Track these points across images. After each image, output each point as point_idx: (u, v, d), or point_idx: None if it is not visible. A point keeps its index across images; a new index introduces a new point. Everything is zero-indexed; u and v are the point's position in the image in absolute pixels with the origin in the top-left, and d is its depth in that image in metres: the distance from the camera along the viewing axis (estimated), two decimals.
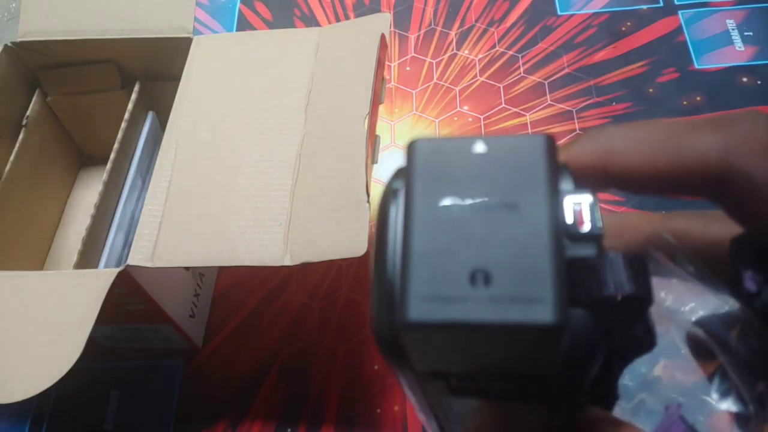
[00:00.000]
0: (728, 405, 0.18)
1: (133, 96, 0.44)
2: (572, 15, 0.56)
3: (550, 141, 0.13)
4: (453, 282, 0.12)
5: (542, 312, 0.11)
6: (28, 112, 0.45)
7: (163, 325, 0.39)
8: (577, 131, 0.50)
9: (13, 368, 0.31)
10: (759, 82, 0.50)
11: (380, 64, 0.37)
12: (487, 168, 0.13)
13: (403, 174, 0.14)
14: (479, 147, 0.13)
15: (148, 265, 0.33)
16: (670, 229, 0.17)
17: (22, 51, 0.43)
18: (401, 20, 0.57)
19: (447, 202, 0.13)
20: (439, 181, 0.13)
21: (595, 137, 0.16)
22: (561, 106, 0.51)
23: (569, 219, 0.13)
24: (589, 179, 0.16)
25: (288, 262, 0.32)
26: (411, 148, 0.13)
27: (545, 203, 0.12)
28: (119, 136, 0.42)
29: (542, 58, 0.54)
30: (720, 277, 0.16)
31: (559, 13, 0.56)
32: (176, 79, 0.39)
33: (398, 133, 0.52)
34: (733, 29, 0.53)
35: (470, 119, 0.52)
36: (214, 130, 0.37)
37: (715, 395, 0.19)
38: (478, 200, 0.13)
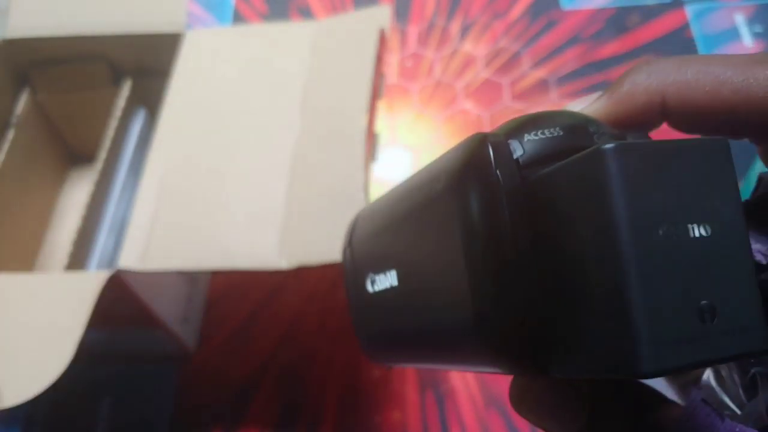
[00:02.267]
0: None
1: (124, 93, 0.43)
2: (577, 9, 0.55)
3: (728, 147, 0.12)
4: (684, 321, 0.11)
5: (756, 340, 0.11)
6: (17, 111, 0.44)
7: (155, 329, 0.38)
8: None
9: (2, 373, 0.30)
10: None
11: (379, 59, 0.36)
12: (683, 183, 0.12)
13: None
14: (669, 155, 0.12)
15: (140, 267, 0.32)
16: None
17: (11, 47, 0.42)
18: (401, 13, 0.56)
19: (660, 230, 0.11)
20: (649, 204, 0.11)
21: (648, 71, 0.15)
22: (567, 102, 0.50)
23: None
24: (644, 116, 0.15)
25: (284, 266, 0.31)
26: (608, 157, 0.12)
27: (741, 225, 0.12)
28: (109, 134, 0.41)
29: (547, 54, 0.52)
30: None
31: (562, 7, 0.55)
32: (168, 75, 0.38)
33: (398, 130, 0.50)
34: (741, 25, 0.52)
35: (473, 117, 0.50)
36: (206, 127, 0.36)
37: (712, 381, 0.19)
38: (687, 225, 0.12)
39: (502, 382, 0.40)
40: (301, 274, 0.44)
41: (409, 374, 0.40)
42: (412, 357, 0.19)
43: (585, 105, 0.17)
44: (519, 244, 0.13)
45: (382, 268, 0.19)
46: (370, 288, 0.20)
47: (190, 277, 0.42)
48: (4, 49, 0.42)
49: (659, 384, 0.16)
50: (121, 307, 0.36)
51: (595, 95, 0.16)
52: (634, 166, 0.11)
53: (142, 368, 0.42)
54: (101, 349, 0.42)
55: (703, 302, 0.11)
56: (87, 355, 0.41)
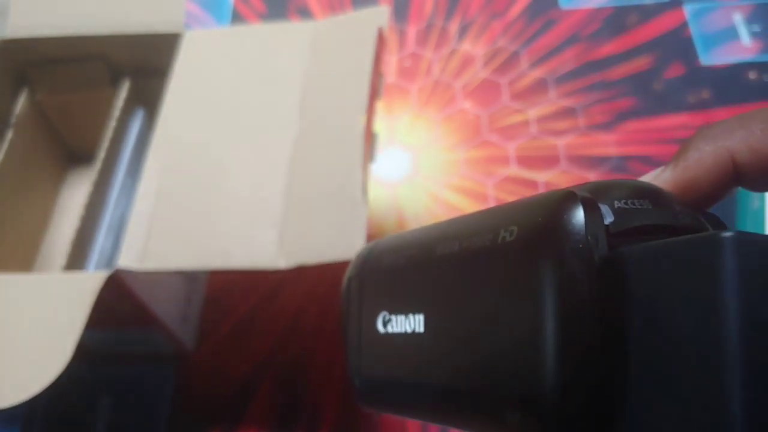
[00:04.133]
0: None
1: (123, 93, 0.43)
2: (576, 9, 0.55)
3: None
4: None
5: None
6: (16, 111, 0.44)
7: (154, 328, 0.38)
8: (582, 127, 0.48)
9: (1, 373, 0.30)
10: (766, 79, 0.49)
11: (378, 59, 0.36)
12: None
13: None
14: None
15: (138, 267, 0.32)
16: None
17: (10, 47, 0.42)
18: (400, 13, 0.56)
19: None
20: (763, 302, 0.11)
21: (711, 134, 0.15)
22: (565, 102, 0.50)
23: None
24: (716, 181, 0.15)
25: (282, 265, 0.31)
26: (726, 246, 0.11)
27: None
28: (108, 134, 0.41)
29: (546, 53, 0.52)
30: None
31: (560, 6, 0.55)
32: (167, 75, 0.38)
33: (396, 130, 0.50)
34: (740, 24, 0.52)
35: (472, 116, 0.50)
36: (205, 127, 0.36)
37: None
38: None
39: None
40: (299, 273, 0.44)
41: None
42: (417, 411, 0.18)
43: (652, 177, 0.16)
44: (603, 317, 0.12)
45: (402, 310, 0.17)
46: (380, 328, 0.18)
47: (188, 277, 0.42)
48: (3, 49, 0.42)
49: None
50: (119, 307, 0.36)
51: (659, 168, 0.16)
52: (752, 258, 0.11)
53: (140, 368, 0.42)
54: (100, 349, 0.42)
55: None
56: (86, 354, 0.41)
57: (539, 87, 0.51)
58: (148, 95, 0.44)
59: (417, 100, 0.51)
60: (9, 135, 0.43)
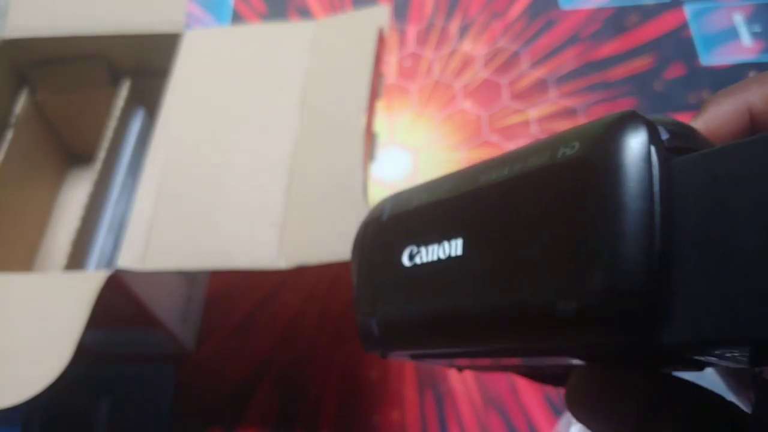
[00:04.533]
0: None
1: (123, 93, 0.43)
2: (576, 9, 0.55)
3: None
4: None
5: None
6: (16, 111, 0.44)
7: (154, 329, 0.38)
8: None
9: (0, 373, 0.30)
10: None
11: (378, 59, 0.36)
12: None
13: None
14: None
15: (139, 267, 0.32)
16: None
17: (10, 47, 0.42)
18: (400, 13, 0.56)
19: None
20: None
21: (729, 91, 0.16)
22: (566, 102, 0.50)
23: None
24: (733, 129, 0.16)
25: (283, 265, 0.31)
26: None
27: None
28: (108, 134, 0.41)
29: (546, 53, 0.52)
30: None
31: (561, 6, 0.55)
32: (167, 75, 0.38)
33: (397, 130, 0.50)
34: (740, 24, 0.52)
35: (472, 116, 0.50)
36: (205, 127, 0.36)
37: None
38: None
39: (500, 383, 0.40)
40: (300, 273, 0.44)
41: (408, 374, 0.40)
42: (446, 338, 0.17)
43: None
44: (665, 214, 0.13)
45: (435, 239, 0.17)
46: (406, 261, 0.18)
47: (189, 277, 0.42)
48: (3, 49, 0.42)
49: (718, 387, 0.16)
50: (120, 307, 0.36)
51: None
52: None
53: (141, 368, 0.42)
54: (100, 349, 0.42)
55: None
56: (86, 355, 0.41)
57: (540, 87, 0.51)
58: (148, 95, 0.44)
59: (417, 100, 0.51)
60: (9, 135, 0.43)
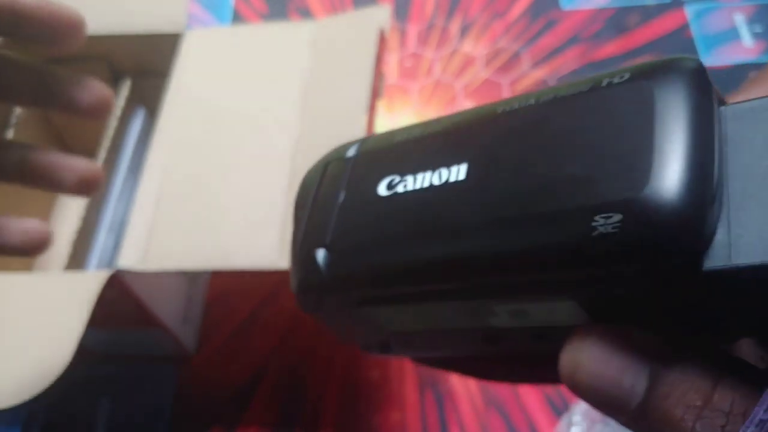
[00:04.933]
0: None
1: (123, 93, 0.43)
2: (577, 9, 0.55)
3: None
4: None
5: None
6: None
7: (155, 329, 0.38)
8: None
9: (1, 373, 0.30)
10: None
11: (379, 59, 0.36)
12: None
13: None
14: None
15: (140, 267, 0.32)
16: None
17: (11, 47, 0.42)
18: (401, 13, 0.56)
19: None
20: None
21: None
22: None
23: None
24: None
25: (284, 266, 0.31)
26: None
27: None
28: (109, 134, 0.41)
29: (547, 54, 0.52)
30: None
31: (562, 7, 0.55)
32: (168, 75, 0.38)
33: None
34: (741, 25, 0.52)
35: None
36: (205, 127, 0.36)
37: None
38: None
39: (501, 384, 0.40)
40: None
41: (408, 374, 0.40)
42: (442, 278, 0.14)
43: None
44: (720, 146, 0.13)
45: (427, 167, 0.15)
46: (383, 191, 0.15)
47: (189, 278, 0.42)
48: (4, 48, 0.42)
49: None
50: (120, 307, 0.36)
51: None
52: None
53: (141, 368, 0.42)
54: (101, 349, 0.42)
55: None
56: (86, 355, 0.41)
57: (541, 87, 0.51)
58: (149, 95, 0.44)
59: (418, 100, 0.51)
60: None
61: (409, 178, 0.15)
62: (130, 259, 0.32)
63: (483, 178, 0.14)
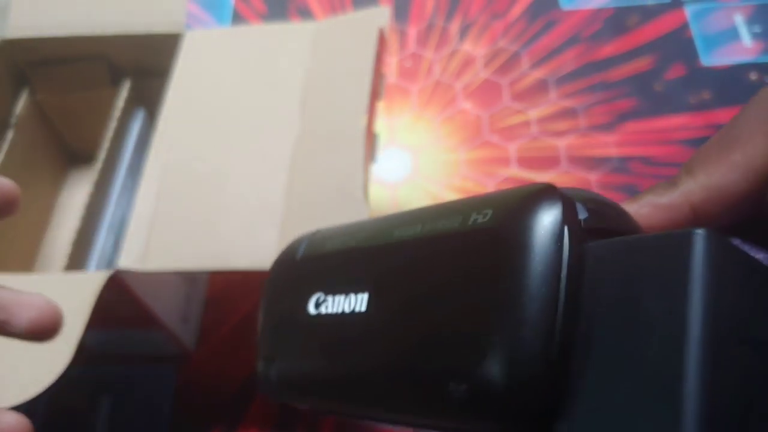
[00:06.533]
0: None
1: (123, 93, 0.43)
2: (576, 10, 0.55)
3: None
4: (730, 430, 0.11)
5: None
6: (16, 111, 0.44)
7: (154, 329, 0.38)
8: (583, 128, 0.48)
9: (1, 373, 0.30)
10: (767, 80, 0.49)
11: (378, 60, 0.36)
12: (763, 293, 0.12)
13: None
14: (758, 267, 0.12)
15: (139, 267, 0.32)
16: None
17: (10, 47, 0.42)
18: (400, 14, 0.56)
19: (731, 334, 0.11)
20: (727, 303, 0.11)
21: (673, 187, 0.16)
22: (566, 103, 0.50)
23: None
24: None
25: None
26: (697, 241, 0.11)
27: None
28: (109, 134, 0.41)
29: (546, 54, 0.52)
30: None
31: (561, 7, 0.55)
32: (168, 75, 0.38)
33: (397, 130, 0.50)
34: (740, 25, 0.52)
35: (473, 117, 0.50)
36: (205, 127, 0.36)
37: None
38: (753, 335, 0.11)
39: None
40: None
41: None
42: (340, 396, 0.16)
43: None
44: (570, 301, 0.12)
45: (342, 290, 0.17)
46: (312, 309, 0.17)
47: (189, 278, 0.42)
48: (3, 49, 0.42)
49: None
50: (120, 307, 0.36)
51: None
52: (720, 253, 0.11)
53: (141, 368, 0.42)
54: (101, 349, 0.42)
55: (754, 417, 0.11)
56: (87, 355, 0.41)
57: (540, 88, 0.51)
58: (148, 95, 0.44)
59: (418, 101, 0.51)
60: (9, 135, 0.43)
61: (329, 300, 0.17)
62: (129, 259, 0.32)
63: (376, 316, 0.16)
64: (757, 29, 0.52)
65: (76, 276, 0.33)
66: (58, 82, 0.45)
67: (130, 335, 0.40)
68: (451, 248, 0.14)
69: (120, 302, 0.35)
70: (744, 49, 0.51)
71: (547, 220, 0.13)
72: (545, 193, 0.13)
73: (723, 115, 0.48)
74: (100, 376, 0.42)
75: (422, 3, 0.57)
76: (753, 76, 0.50)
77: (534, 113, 0.50)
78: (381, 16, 0.37)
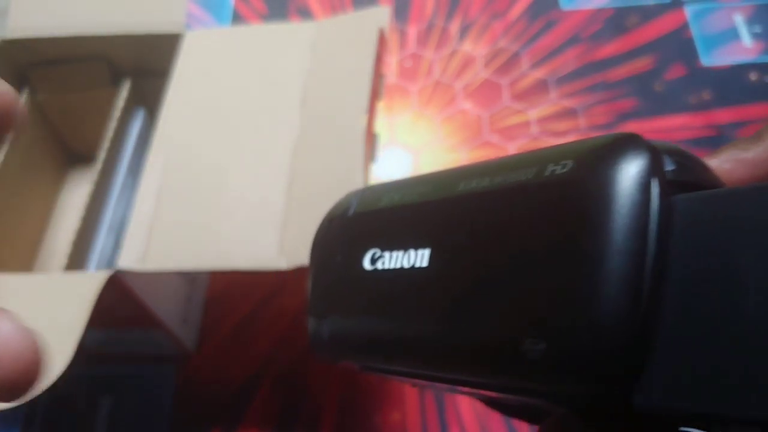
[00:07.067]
0: None
1: (123, 93, 0.43)
2: (576, 10, 0.55)
3: None
4: None
5: None
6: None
7: (155, 329, 0.38)
8: (583, 128, 0.48)
9: None
10: (767, 80, 0.49)
11: (378, 60, 0.36)
12: None
13: None
14: None
15: (139, 267, 0.32)
16: None
17: (10, 47, 0.42)
18: (400, 14, 0.56)
19: None
20: None
21: (758, 142, 0.15)
22: (566, 103, 0.50)
23: None
24: None
25: (283, 266, 0.31)
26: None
27: None
28: (109, 134, 0.41)
29: (547, 54, 0.52)
30: None
31: (561, 7, 0.55)
32: (168, 75, 0.38)
33: (397, 130, 0.50)
34: (740, 25, 0.52)
35: (473, 116, 0.50)
36: (205, 127, 0.36)
37: None
38: None
39: None
40: (300, 274, 0.44)
41: None
42: (399, 354, 0.16)
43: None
44: (659, 258, 0.12)
45: (401, 245, 0.16)
46: (367, 265, 0.17)
47: (189, 278, 0.42)
48: (3, 49, 0.42)
49: None
50: (120, 307, 0.36)
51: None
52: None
53: (141, 368, 0.42)
54: (101, 349, 0.42)
55: None
56: (86, 355, 0.41)
57: (540, 88, 0.51)
58: (148, 95, 0.44)
59: (418, 101, 0.51)
60: (9, 135, 0.43)
61: (387, 255, 0.16)
62: (129, 259, 0.32)
63: (439, 272, 0.15)
64: (757, 29, 0.52)
65: (76, 276, 0.33)
66: (58, 82, 0.45)
67: (130, 335, 0.40)
68: (525, 200, 0.14)
69: (120, 302, 0.35)
70: (744, 49, 0.51)
71: (633, 170, 0.12)
72: (631, 142, 0.13)
73: (723, 115, 0.48)
74: (100, 376, 0.42)
75: (422, 3, 0.57)
76: (753, 76, 0.50)
77: (534, 113, 0.50)
78: (381, 16, 0.37)
